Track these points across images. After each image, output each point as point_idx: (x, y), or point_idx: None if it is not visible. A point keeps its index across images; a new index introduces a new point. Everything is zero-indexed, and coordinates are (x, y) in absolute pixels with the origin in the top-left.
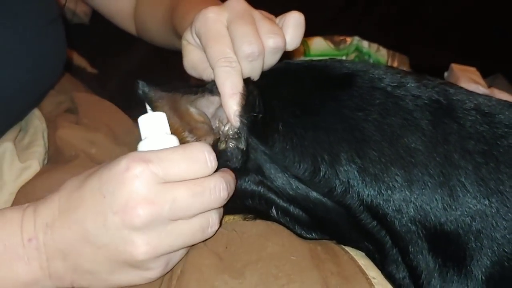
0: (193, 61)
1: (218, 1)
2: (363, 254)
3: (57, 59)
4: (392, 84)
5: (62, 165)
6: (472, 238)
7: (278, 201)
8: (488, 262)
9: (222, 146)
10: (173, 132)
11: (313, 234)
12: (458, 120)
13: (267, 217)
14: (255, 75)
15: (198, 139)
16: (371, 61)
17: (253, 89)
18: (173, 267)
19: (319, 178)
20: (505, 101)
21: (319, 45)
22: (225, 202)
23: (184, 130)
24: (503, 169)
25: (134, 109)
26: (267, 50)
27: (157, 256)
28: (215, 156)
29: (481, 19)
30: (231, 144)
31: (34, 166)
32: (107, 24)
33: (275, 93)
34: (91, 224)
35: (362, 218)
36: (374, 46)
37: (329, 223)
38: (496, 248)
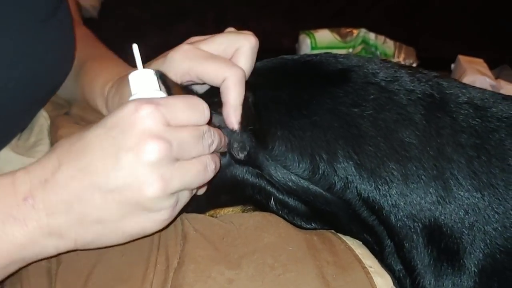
0: None
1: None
2: (360, 243)
3: (60, 57)
4: (386, 79)
5: None
6: (465, 231)
7: (277, 193)
8: (480, 255)
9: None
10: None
11: (313, 225)
12: (451, 114)
13: (265, 208)
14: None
15: None
16: (378, 53)
17: (249, 96)
18: (169, 259)
19: (318, 175)
20: (499, 94)
21: (326, 38)
22: (215, 150)
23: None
24: (494, 163)
25: None
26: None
27: (168, 194)
28: (209, 109)
29: (488, 11)
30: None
31: None
32: (116, 18)
33: (273, 94)
34: (101, 168)
35: (361, 212)
36: (381, 38)
37: (329, 215)
38: (488, 241)
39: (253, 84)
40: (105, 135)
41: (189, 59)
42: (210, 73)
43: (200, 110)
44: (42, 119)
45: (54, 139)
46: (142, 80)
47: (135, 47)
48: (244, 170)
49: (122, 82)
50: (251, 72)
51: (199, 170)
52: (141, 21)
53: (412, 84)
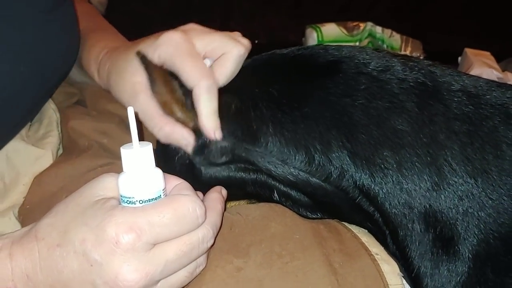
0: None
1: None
2: (366, 231)
3: (66, 48)
4: (378, 69)
5: (76, 156)
6: (460, 218)
7: (279, 186)
8: (474, 241)
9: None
10: (163, 104)
11: (318, 214)
12: (444, 101)
13: (270, 201)
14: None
15: (185, 114)
16: (385, 46)
17: (230, 101)
18: None
19: (315, 166)
20: (493, 81)
21: (333, 31)
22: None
23: (173, 103)
24: (488, 149)
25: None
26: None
27: None
28: (205, 210)
29: (495, 4)
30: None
31: (47, 156)
32: (123, 14)
33: (263, 91)
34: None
35: (360, 201)
36: (388, 31)
37: (331, 206)
38: (482, 227)
39: (241, 84)
40: (83, 257)
41: (175, 49)
42: (184, 74)
43: (191, 221)
44: (51, 111)
45: (64, 130)
46: (135, 158)
47: (130, 110)
48: (238, 170)
49: (114, 52)
50: (243, 71)
51: (185, 278)
52: (147, 17)
53: (405, 73)
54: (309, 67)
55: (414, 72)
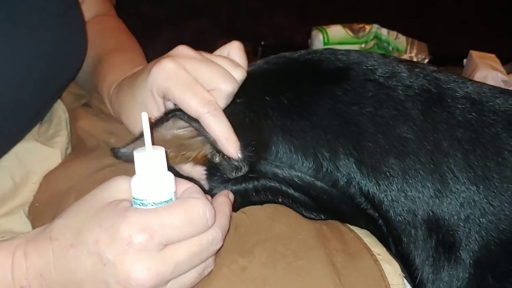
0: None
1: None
2: (368, 232)
3: (74, 51)
4: (384, 75)
5: (84, 155)
6: (461, 224)
7: (284, 189)
8: (476, 247)
9: (217, 160)
10: (171, 160)
11: (322, 216)
12: (448, 108)
13: (274, 203)
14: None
15: (196, 152)
16: (390, 48)
17: (244, 113)
18: None
19: (322, 173)
20: (497, 87)
21: (338, 33)
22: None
23: (179, 153)
24: (490, 156)
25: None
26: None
27: None
28: (214, 212)
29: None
30: (224, 161)
31: (56, 155)
32: (130, 15)
33: (273, 99)
34: (92, 287)
35: (365, 207)
36: (393, 33)
37: (335, 209)
38: (483, 233)
39: (253, 92)
40: (96, 256)
41: (170, 80)
42: (186, 105)
43: (201, 223)
44: (60, 111)
45: (73, 130)
46: (148, 161)
47: (144, 116)
48: (244, 180)
49: (122, 85)
50: (254, 75)
51: (195, 279)
52: (155, 18)
53: (410, 80)
54: (319, 73)
55: (419, 79)
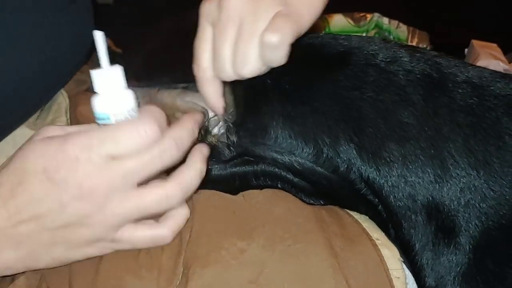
0: None
1: None
2: (367, 217)
3: (80, 41)
4: (386, 60)
5: None
6: (461, 209)
7: (284, 175)
8: (476, 232)
9: (211, 139)
10: None
11: (321, 202)
12: (449, 93)
13: (273, 188)
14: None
15: None
16: (391, 37)
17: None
18: (182, 233)
19: (322, 159)
20: (498, 72)
21: (339, 22)
22: (181, 156)
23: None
24: (490, 141)
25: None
26: None
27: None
28: (166, 120)
29: None
30: (219, 142)
31: None
32: (131, 4)
33: (274, 83)
34: (47, 211)
35: (365, 193)
36: (394, 22)
37: (336, 195)
38: (483, 218)
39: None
40: (50, 188)
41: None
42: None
43: (149, 136)
44: (61, 97)
45: (73, 116)
46: (107, 79)
47: (98, 33)
48: (242, 163)
49: None
50: None
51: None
52: (155, 7)
53: (411, 64)
54: (319, 58)
55: (420, 63)
